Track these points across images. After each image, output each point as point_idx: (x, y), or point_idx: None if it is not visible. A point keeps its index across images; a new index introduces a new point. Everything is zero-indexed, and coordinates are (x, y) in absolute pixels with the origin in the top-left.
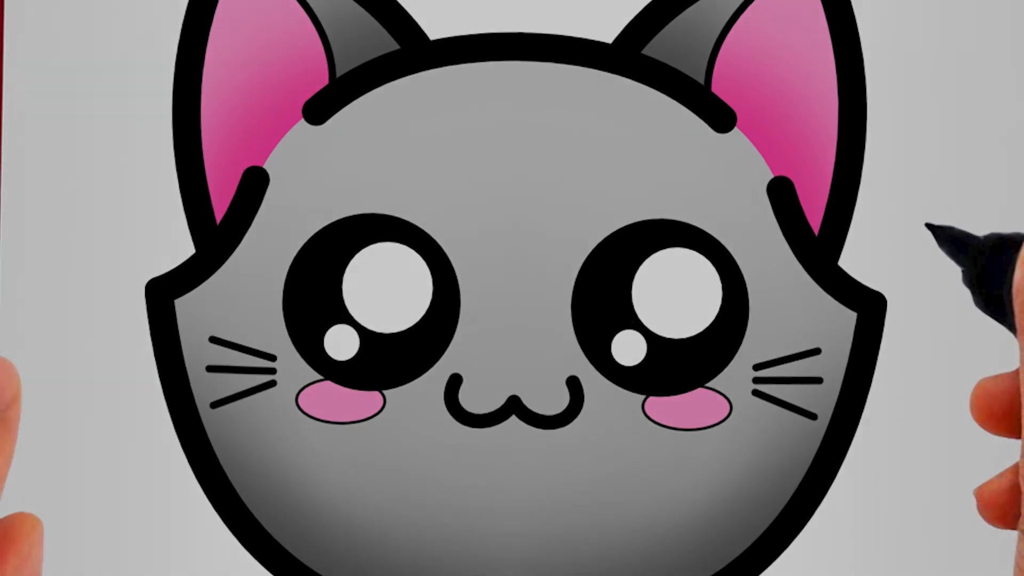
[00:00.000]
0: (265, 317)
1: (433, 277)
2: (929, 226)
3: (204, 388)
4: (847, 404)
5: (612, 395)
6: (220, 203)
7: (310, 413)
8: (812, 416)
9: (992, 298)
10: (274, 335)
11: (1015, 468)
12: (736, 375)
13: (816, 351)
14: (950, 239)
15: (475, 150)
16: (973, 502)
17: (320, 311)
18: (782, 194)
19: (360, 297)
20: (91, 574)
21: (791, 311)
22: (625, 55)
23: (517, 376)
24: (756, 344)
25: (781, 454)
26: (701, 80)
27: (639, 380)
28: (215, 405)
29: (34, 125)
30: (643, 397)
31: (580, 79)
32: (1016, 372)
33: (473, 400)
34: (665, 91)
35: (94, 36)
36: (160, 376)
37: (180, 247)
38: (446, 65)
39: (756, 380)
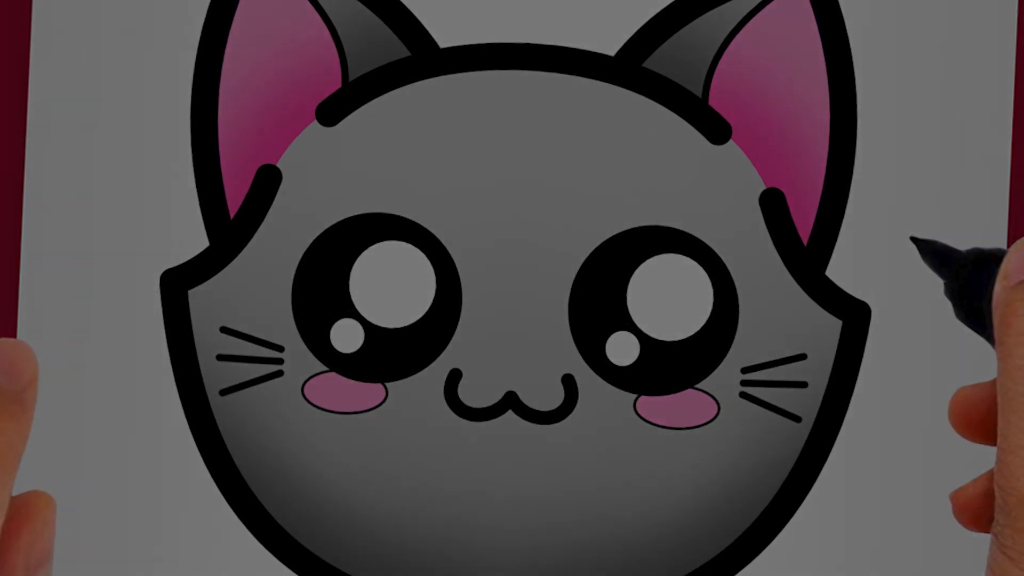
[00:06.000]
0: (274, 309)
1: (436, 275)
2: (913, 239)
3: (214, 376)
4: (830, 408)
5: (605, 393)
6: (234, 199)
7: (315, 403)
8: (796, 419)
9: (972, 310)
10: (282, 327)
11: (990, 474)
12: (725, 377)
13: (802, 356)
14: (933, 252)
15: (480, 154)
16: (949, 505)
17: (327, 305)
18: (773, 205)
19: (366, 293)
20: (101, 552)
21: (779, 317)
22: (627, 68)
23: (514, 373)
24: (745, 348)
25: (766, 454)
26: (699, 93)
27: (632, 380)
28: (224, 392)
29: (58, 123)
30: (635, 396)
31: (583, 89)
32: (993, 382)
33: (472, 395)
34: (664, 103)
35: (118, 39)
36: (172, 363)
37: (195, 240)
38: (454, 72)
39: (744, 383)
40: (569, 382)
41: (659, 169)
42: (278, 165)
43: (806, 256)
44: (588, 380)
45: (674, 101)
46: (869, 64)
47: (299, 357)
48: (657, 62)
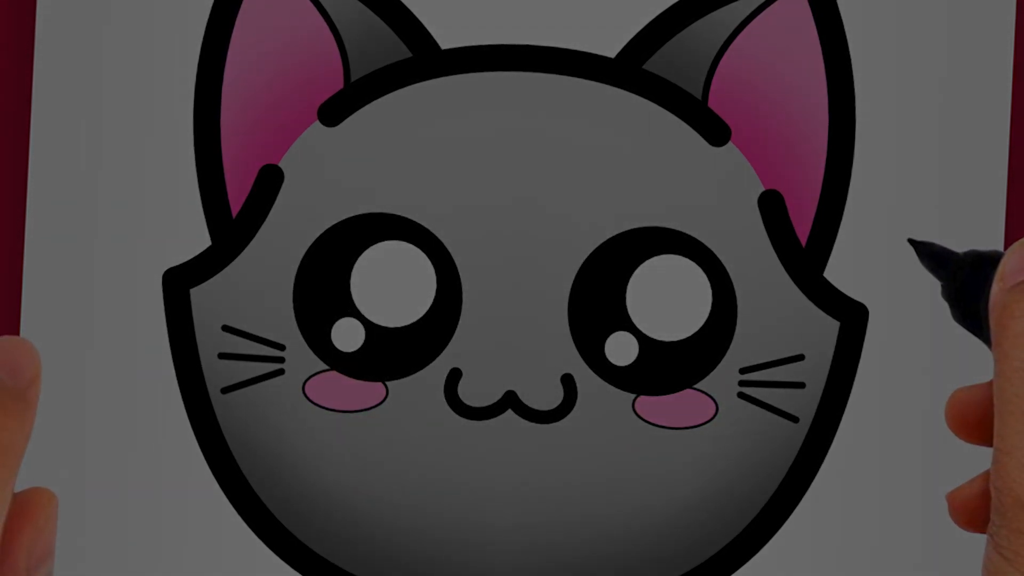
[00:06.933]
0: (276, 308)
1: (437, 275)
2: (911, 241)
3: (215, 374)
4: (828, 409)
5: (604, 393)
6: (236, 199)
7: (316, 401)
8: (794, 419)
9: (969, 312)
10: (284, 326)
11: (986, 475)
12: (723, 378)
13: (800, 357)
14: (931, 254)
15: (481, 155)
16: (945, 506)
17: (328, 304)
18: (772, 207)
19: (367, 292)
20: (102, 549)
21: (777, 318)
22: (627, 69)
23: (514, 372)
24: (743, 349)
25: (763, 454)
26: (699, 95)
27: (630, 380)
28: (225, 391)
29: (62, 122)
30: (634, 396)
31: (583, 91)
32: (990, 383)
33: (471, 394)
34: (664, 105)
35: (121, 39)
36: (174, 361)
37: (197, 239)
38: (455, 74)
39: (742, 383)
40: (568, 382)
41: (659, 170)
42: (280, 165)
43: (804, 257)
44: (587, 380)
45: (674, 103)
46: (868, 67)
47: (300, 356)
48: (657, 64)
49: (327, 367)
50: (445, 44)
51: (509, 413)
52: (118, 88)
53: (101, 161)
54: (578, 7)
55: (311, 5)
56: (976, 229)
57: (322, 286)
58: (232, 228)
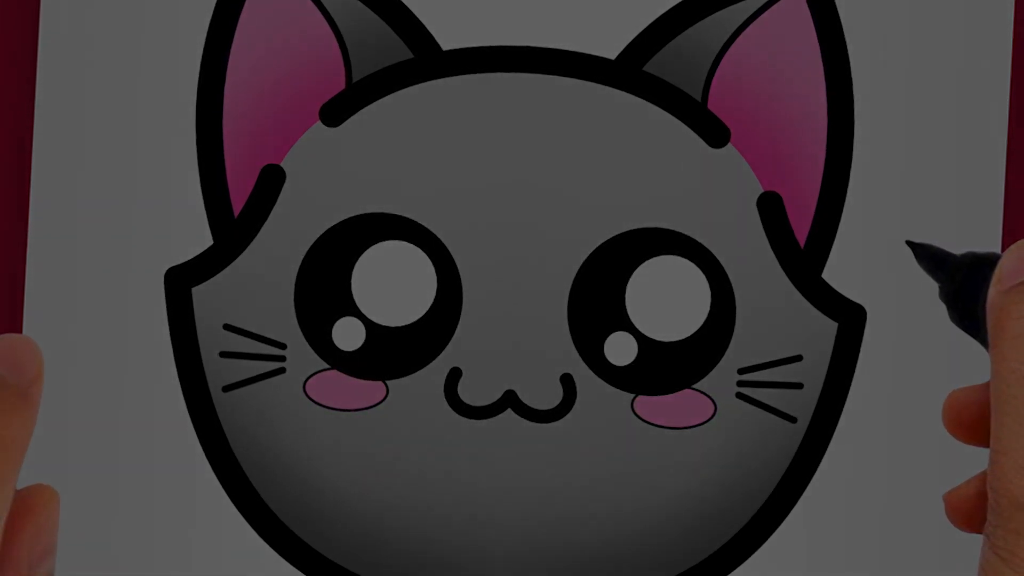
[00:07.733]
0: (277, 307)
1: (437, 275)
2: (909, 243)
3: (217, 372)
4: (826, 409)
5: (603, 393)
6: (238, 198)
7: (316, 400)
8: (792, 419)
9: (967, 313)
10: (285, 325)
11: (983, 475)
12: (721, 378)
13: (798, 358)
14: (929, 256)
15: (482, 156)
16: (942, 506)
17: (329, 303)
18: (771, 208)
19: (367, 291)
20: (103, 546)
21: (775, 319)
22: (627, 71)
23: (514, 372)
24: (741, 349)
25: (761, 454)
26: (698, 97)
27: (629, 379)
28: (227, 389)
29: (65, 122)
30: (633, 396)
31: (584, 92)
32: (987, 384)
33: (471, 393)
34: (663, 106)
35: (124, 39)
36: (176, 359)
37: (199, 238)
38: (457, 75)
39: (740, 383)
40: (568, 381)
41: (658, 172)
42: (282, 165)
43: (803, 259)
44: (586, 380)
45: (674, 104)
46: (866, 70)
47: (301, 355)
48: (657, 66)
49: (328, 366)
50: (446, 45)
51: (509, 412)
52: (121, 88)
53: (104, 160)
54: (579, 8)
55: (313, 6)
56: (974, 231)
57: (323, 285)
58: (234, 227)
